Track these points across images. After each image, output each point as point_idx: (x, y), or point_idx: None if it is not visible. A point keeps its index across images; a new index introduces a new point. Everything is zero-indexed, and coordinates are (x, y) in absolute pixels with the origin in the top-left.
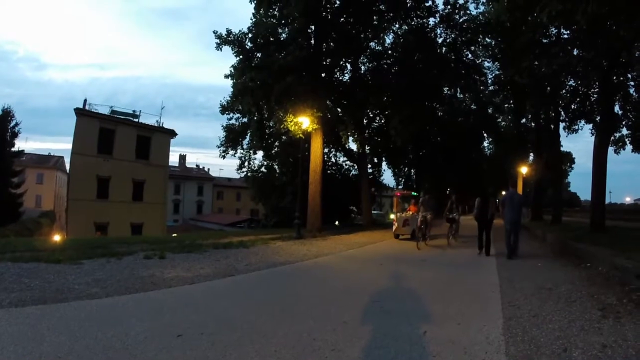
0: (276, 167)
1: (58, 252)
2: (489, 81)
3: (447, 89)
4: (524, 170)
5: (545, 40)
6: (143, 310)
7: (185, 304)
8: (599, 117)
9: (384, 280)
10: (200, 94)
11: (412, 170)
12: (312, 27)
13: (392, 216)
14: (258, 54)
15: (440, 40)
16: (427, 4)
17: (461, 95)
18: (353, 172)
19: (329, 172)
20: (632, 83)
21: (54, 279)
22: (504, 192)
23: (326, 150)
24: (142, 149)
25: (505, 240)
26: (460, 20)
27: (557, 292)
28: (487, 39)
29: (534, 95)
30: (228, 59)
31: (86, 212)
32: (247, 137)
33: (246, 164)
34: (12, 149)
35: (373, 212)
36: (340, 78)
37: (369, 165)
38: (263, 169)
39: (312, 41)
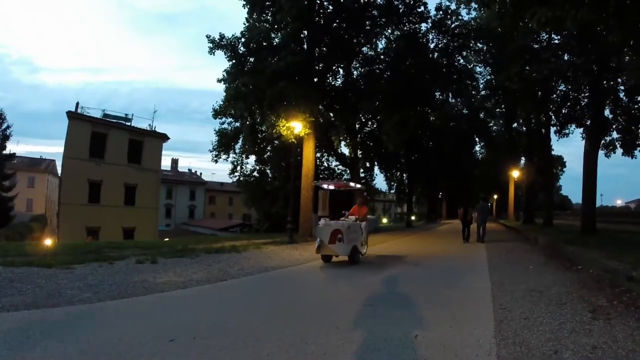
0: (268, 171)
1: (50, 256)
2: (481, 86)
3: (439, 94)
4: (515, 174)
5: (536, 46)
6: (135, 315)
7: (177, 309)
8: (589, 122)
9: (376, 283)
10: (193, 99)
11: (404, 175)
12: (305, 32)
13: (321, 224)
14: (251, 59)
15: (432, 46)
16: (419, 10)
17: (453, 100)
18: (345, 176)
19: (321, 176)
20: (622, 87)
21: (45, 283)
22: (497, 196)
23: (318, 154)
24: (134, 153)
25: (477, 232)
26: (452, 25)
27: (548, 294)
28: (478, 44)
29: (524, 100)
30: (221, 63)
31: (78, 216)
32: (240, 141)
33: (239, 168)
34: (4, 152)
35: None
36: (333, 83)
37: (361, 170)
38: (255, 173)
39: (305, 46)
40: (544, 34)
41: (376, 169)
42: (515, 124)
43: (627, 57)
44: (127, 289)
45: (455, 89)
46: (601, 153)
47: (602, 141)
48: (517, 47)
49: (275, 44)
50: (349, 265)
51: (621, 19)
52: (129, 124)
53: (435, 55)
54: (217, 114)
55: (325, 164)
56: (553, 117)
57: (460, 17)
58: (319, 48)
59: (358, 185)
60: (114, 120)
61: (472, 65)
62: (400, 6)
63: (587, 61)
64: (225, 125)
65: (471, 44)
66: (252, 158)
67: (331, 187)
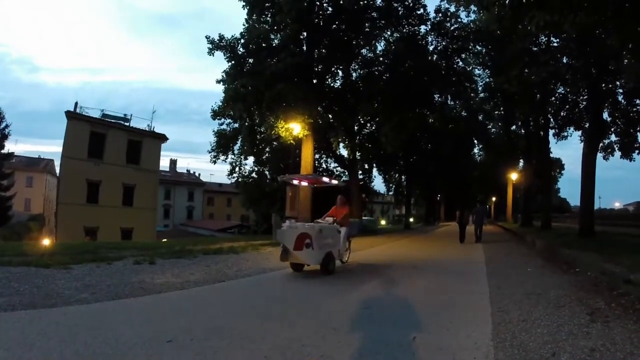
0: (267, 173)
1: (47, 256)
2: (480, 88)
3: (438, 96)
4: (514, 176)
5: (535, 49)
6: (133, 315)
7: (175, 310)
8: (587, 124)
9: (374, 286)
10: (192, 100)
11: (403, 177)
12: (305, 33)
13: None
14: (250, 60)
15: (431, 48)
16: (418, 12)
17: (452, 103)
18: (344, 178)
19: None
20: (620, 90)
21: (43, 283)
22: (495, 198)
23: (317, 156)
24: (133, 153)
25: (474, 233)
26: (451, 28)
27: (546, 297)
28: (477, 47)
29: (523, 102)
30: (220, 64)
31: (76, 216)
32: (238, 142)
33: (237, 169)
34: (2, 152)
35: (364, 217)
36: (332, 84)
37: (360, 172)
38: (254, 174)
39: (304, 47)
40: (542, 37)
41: (375, 171)
42: (513, 127)
43: (625, 61)
44: (124, 289)
45: (454, 91)
46: (599, 156)
47: (601, 144)
48: (516, 50)
49: (274, 45)
50: (346, 269)
51: (619, 23)
52: (127, 124)
53: (434, 58)
54: (216, 114)
55: (324, 166)
56: (551, 119)
57: (459, 20)
58: (318, 50)
59: (334, 182)
60: (112, 121)
61: (471, 68)
62: (399, 8)
63: (585, 64)
64: (224, 126)
65: (470, 47)
66: (251, 159)
67: (304, 183)
